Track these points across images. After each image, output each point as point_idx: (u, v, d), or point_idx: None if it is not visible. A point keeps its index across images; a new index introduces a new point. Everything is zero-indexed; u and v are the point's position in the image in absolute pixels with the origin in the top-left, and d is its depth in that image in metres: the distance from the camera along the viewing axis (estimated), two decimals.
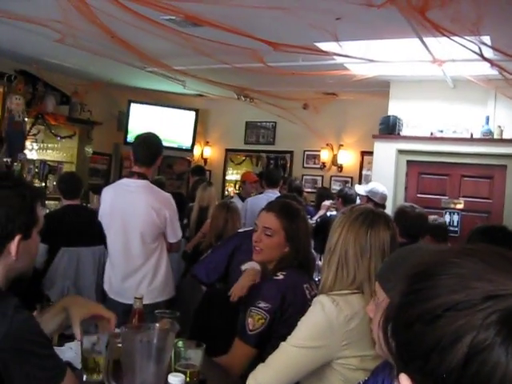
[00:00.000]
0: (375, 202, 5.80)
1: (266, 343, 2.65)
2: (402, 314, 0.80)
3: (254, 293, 2.86)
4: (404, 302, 0.81)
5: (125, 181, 4.21)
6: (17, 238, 1.87)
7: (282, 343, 2.22)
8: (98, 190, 6.66)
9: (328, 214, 6.59)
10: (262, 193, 7.20)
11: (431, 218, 5.19)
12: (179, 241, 4.36)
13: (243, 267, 3.58)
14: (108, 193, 4.23)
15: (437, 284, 0.77)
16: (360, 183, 9.18)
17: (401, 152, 7.61)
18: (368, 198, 5.91)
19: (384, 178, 7.27)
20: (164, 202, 4.05)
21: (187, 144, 10.57)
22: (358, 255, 2.24)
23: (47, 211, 6.64)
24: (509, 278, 0.74)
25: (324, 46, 5.97)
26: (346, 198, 6.49)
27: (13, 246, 1.86)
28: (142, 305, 2.81)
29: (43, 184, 8.84)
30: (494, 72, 6.11)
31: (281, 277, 2.79)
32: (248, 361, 2.65)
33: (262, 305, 2.65)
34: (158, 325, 2.33)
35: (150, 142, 4.24)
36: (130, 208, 4.01)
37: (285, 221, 2.93)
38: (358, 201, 6.36)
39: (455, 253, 0.83)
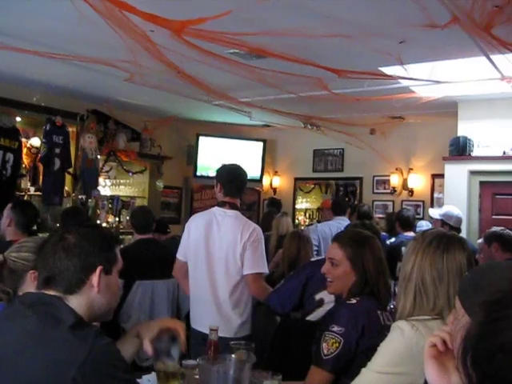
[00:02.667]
0: (450, 226, 5.70)
1: (343, 371, 2.62)
2: (482, 344, 0.77)
3: (328, 318, 2.84)
4: (483, 333, 0.78)
5: (215, 209, 4.24)
6: (98, 270, 1.97)
7: (363, 369, 2.20)
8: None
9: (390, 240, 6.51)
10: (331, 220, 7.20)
11: (499, 228, 5.18)
12: (262, 276, 4.11)
13: (317, 296, 3.57)
14: (195, 220, 4.26)
15: None
16: (432, 207, 9.01)
17: (473, 173, 7.45)
18: (443, 222, 5.81)
19: (457, 201, 7.12)
20: (251, 231, 4.02)
21: (256, 174, 10.64)
22: (435, 281, 2.21)
23: (121, 246, 6.79)
24: None
25: (389, 70, 5.94)
26: (402, 220, 6.41)
27: (95, 277, 1.97)
28: (218, 336, 2.82)
29: (117, 219, 9.04)
30: None
31: (354, 301, 2.78)
32: None
33: (336, 329, 2.63)
34: (234, 356, 2.33)
35: (239, 172, 4.32)
36: (216, 237, 4.04)
37: (349, 250, 2.94)
38: (424, 224, 6.25)
39: None
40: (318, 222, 8.25)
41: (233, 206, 4.14)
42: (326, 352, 2.61)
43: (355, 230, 3.32)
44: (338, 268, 2.95)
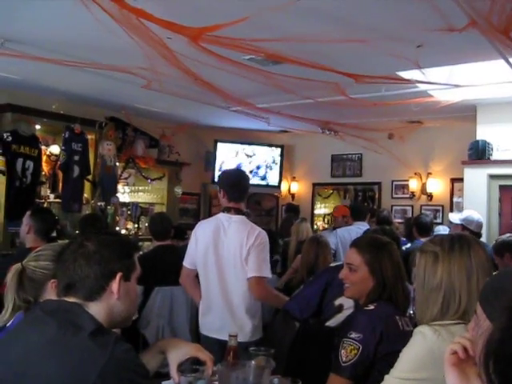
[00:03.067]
0: (471, 231, 5.67)
1: (363, 377, 2.61)
2: (505, 349, 0.76)
3: (346, 325, 2.84)
4: (505, 337, 0.77)
5: (220, 215, 4.25)
6: (118, 277, 1.99)
7: (386, 376, 2.19)
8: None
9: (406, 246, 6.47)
10: (351, 225, 7.18)
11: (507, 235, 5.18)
12: (264, 279, 4.05)
13: (337, 302, 3.55)
14: (202, 227, 4.26)
15: None
16: (451, 211, 8.96)
17: (492, 177, 7.40)
18: (463, 227, 5.77)
19: (476, 205, 7.07)
20: (256, 236, 4.01)
21: (274, 180, 10.65)
22: (463, 283, 2.21)
23: (140, 253, 6.81)
24: None
25: (406, 74, 5.92)
26: (420, 226, 6.37)
27: (114, 284, 1.98)
28: (237, 343, 2.82)
29: (136, 226, 9.08)
30: None
31: (371, 307, 2.78)
32: None
33: (354, 335, 2.63)
34: (253, 362, 2.33)
35: (242, 177, 4.34)
36: (224, 242, 4.04)
37: (367, 255, 2.95)
38: (442, 229, 6.21)
39: None
40: (334, 228, 8.17)
41: (238, 211, 4.14)
42: (344, 359, 2.60)
43: (373, 236, 3.32)
44: (356, 273, 2.95)
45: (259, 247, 3.99)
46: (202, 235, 4.18)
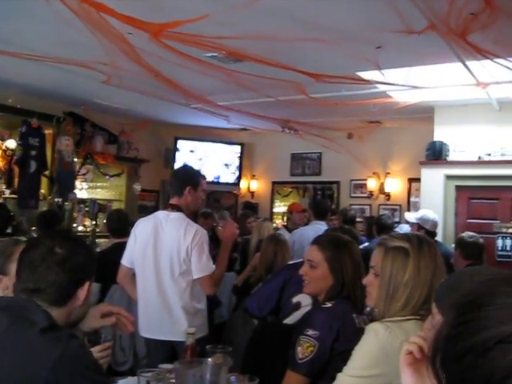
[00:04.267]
0: (426, 230, 5.75)
1: (319, 374, 2.63)
2: (452, 346, 0.78)
3: (303, 322, 2.85)
4: (453, 334, 0.79)
5: (159, 213, 4.21)
6: (86, 285, 2.00)
7: (339, 374, 2.20)
8: None
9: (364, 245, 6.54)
10: (308, 224, 7.20)
11: (467, 234, 5.27)
12: (210, 275, 4.00)
13: (294, 300, 3.57)
14: (141, 225, 4.20)
15: (486, 315, 0.75)
16: (409, 211, 9.08)
17: (449, 177, 7.52)
18: (419, 226, 5.85)
19: (433, 205, 7.17)
20: (193, 233, 3.96)
21: (234, 178, 10.65)
22: (429, 279, 2.26)
23: (98, 250, 6.74)
24: None
25: (366, 74, 5.98)
26: (381, 227, 6.45)
27: (82, 291, 1.99)
28: (195, 340, 2.82)
29: (93, 223, 8.98)
30: None
31: (329, 305, 2.80)
32: None
33: (311, 332, 2.64)
34: (210, 360, 2.33)
35: (178, 172, 4.30)
36: (161, 240, 3.99)
37: (327, 252, 2.96)
38: (405, 227, 6.30)
39: (503, 281, 0.80)
40: (285, 226, 8.17)
41: (176, 208, 4.08)
42: (300, 356, 2.61)
43: (335, 234, 3.34)
44: (316, 270, 2.96)
45: (199, 246, 3.94)
46: (140, 233, 4.12)
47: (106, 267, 5.04)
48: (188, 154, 10.24)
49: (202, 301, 4.08)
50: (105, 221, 7.65)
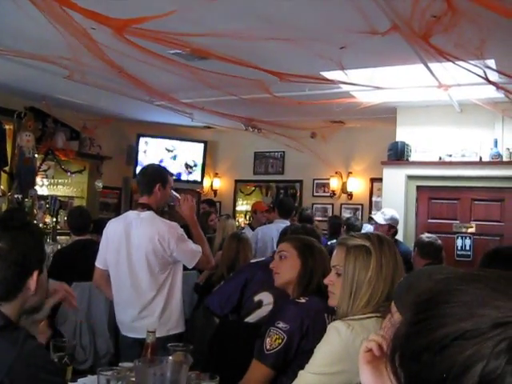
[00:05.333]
0: (396, 230, 5.91)
1: (283, 369, 2.65)
2: (410, 344, 0.78)
3: (277, 313, 2.87)
4: (411, 332, 0.79)
5: (130, 213, 4.20)
6: (35, 274, 1.93)
7: (301, 372, 2.22)
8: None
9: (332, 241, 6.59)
10: (271, 222, 7.21)
11: (426, 235, 5.37)
12: (202, 255, 4.07)
13: (256, 298, 3.58)
14: (112, 226, 4.18)
15: (443, 313, 0.76)
16: (370, 210, 9.17)
17: (410, 178, 7.60)
18: (390, 226, 5.95)
19: (394, 204, 7.25)
20: (168, 230, 3.97)
21: (197, 176, 10.62)
22: (390, 277, 2.30)
23: (58, 247, 6.67)
24: None
25: (330, 74, 6.01)
26: (350, 227, 6.51)
27: (32, 281, 1.93)
28: (156, 338, 2.80)
29: (54, 219, 8.87)
30: (500, 95, 6.12)
31: (303, 300, 2.83)
32: (264, 382, 2.64)
33: (281, 325, 2.67)
34: (171, 358, 2.32)
35: (146, 170, 4.27)
36: (134, 240, 3.98)
37: (297, 243, 3.08)
38: (369, 229, 6.37)
39: (460, 279, 0.81)
40: (249, 225, 8.19)
41: (146, 207, 4.06)
42: (268, 347, 2.64)
43: (304, 236, 3.38)
44: (285, 260, 3.04)
45: (179, 239, 3.95)
46: (112, 234, 4.10)
47: (66, 264, 5.02)
48: (151, 151, 10.17)
49: (178, 297, 4.08)
50: (66, 218, 7.55)
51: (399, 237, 6.79)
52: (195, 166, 10.58)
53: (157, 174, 4.22)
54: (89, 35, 4.70)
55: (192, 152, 10.63)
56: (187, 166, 10.50)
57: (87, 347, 4.98)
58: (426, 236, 5.31)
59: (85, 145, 9.41)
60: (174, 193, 4.32)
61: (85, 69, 5.79)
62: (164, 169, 4.40)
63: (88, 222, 5.49)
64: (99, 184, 9.53)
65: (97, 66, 5.64)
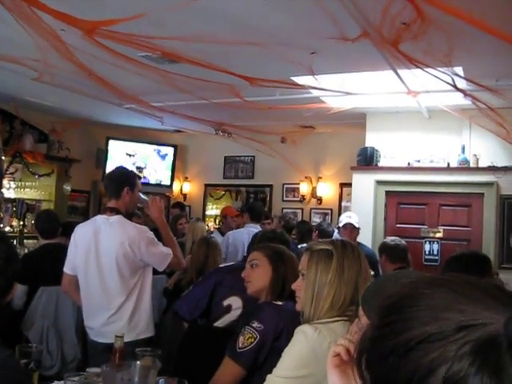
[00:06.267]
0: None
1: (254, 369, 2.65)
2: (376, 347, 0.79)
3: (253, 313, 2.88)
4: (377, 336, 0.80)
5: (98, 217, 4.15)
6: (14, 289, 1.96)
7: (268, 375, 2.22)
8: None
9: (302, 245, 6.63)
10: (241, 227, 7.21)
11: (389, 239, 5.41)
12: (173, 256, 4.05)
13: (225, 303, 3.57)
14: (80, 231, 4.13)
15: (408, 316, 0.77)
16: (339, 215, 9.21)
17: (379, 183, 7.66)
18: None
19: (363, 209, 7.32)
20: (138, 234, 3.93)
21: (166, 180, 10.58)
22: (353, 280, 2.32)
23: (26, 251, 6.58)
24: (479, 307, 0.73)
25: (300, 79, 6.03)
26: (322, 233, 6.54)
27: (12, 292, 1.94)
28: (123, 343, 2.78)
29: (21, 223, 8.76)
30: (467, 102, 6.20)
31: (279, 303, 2.86)
32: (234, 381, 2.65)
33: (256, 325, 2.68)
34: (139, 363, 2.31)
35: (113, 174, 4.23)
36: (103, 245, 3.94)
37: (268, 251, 3.10)
38: (336, 235, 6.42)
39: (425, 283, 0.82)
40: (218, 229, 8.19)
41: (115, 211, 4.02)
42: (240, 345, 2.65)
43: (274, 244, 3.39)
44: (257, 268, 3.07)
45: (149, 243, 3.93)
46: (80, 240, 4.05)
47: (34, 269, 4.95)
48: (120, 154, 10.11)
49: (148, 301, 4.06)
50: (33, 221, 7.47)
51: (368, 242, 6.85)
52: (145, 167, 10.46)
53: (124, 177, 4.17)
54: (58, 37, 4.66)
55: (162, 156, 10.58)
56: (138, 168, 10.41)
57: (54, 352, 4.91)
58: (390, 240, 5.35)
59: (53, 147, 9.31)
60: (142, 195, 4.29)
61: (54, 71, 5.74)
62: (131, 172, 4.36)
63: (56, 226, 5.42)
64: (67, 187, 9.44)
65: (66, 68, 5.59)
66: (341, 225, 6.32)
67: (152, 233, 4.04)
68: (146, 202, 4.26)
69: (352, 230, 6.19)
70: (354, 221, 6.26)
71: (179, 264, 4.27)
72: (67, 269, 4.10)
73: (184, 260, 4.41)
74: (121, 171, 4.32)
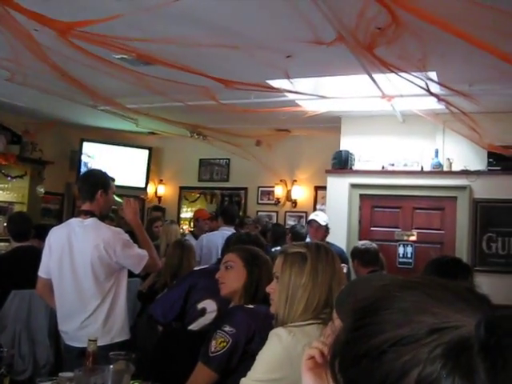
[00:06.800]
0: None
1: (227, 373, 2.64)
2: (349, 350, 0.79)
3: (224, 317, 2.87)
4: (350, 339, 0.80)
5: (72, 220, 4.12)
6: None
7: (243, 379, 2.22)
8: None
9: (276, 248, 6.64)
10: (214, 230, 7.21)
11: (360, 243, 5.48)
12: (148, 258, 4.03)
13: (200, 306, 3.56)
14: (54, 234, 4.10)
15: (381, 319, 0.77)
16: None
17: (354, 186, 7.70)
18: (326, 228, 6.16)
19: (338, 212, 7.36)
20: (113, 237, 3.92)
21: (140, 182, 10.52)
22: (327, 282, 2.34)
23: None
24: (451, 309, 0.74)
25: (276, 83, 6.04)
26: (295, 235, 6.56)
27: None
28: (97, 347, 2.76)
29: None
30: (441, 106, 6.26)
31: (251, 306, 2.86)
32: None
33: (228, 329, 2.68)
34: (112, 367, 2.29)
35: (86, 176, 4.22)
36: (78, 248, 3.91)
37: (243, 253, 3.12)
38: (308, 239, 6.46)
39: (398, 286, 0.83)
40: (192, 232, 8.18)
41: (89, 214, 4.00)
42: (213, 350, 2.64)
43: (249, 246, 3.40)
44: (231, 270, 3.07)
45: (124, 245, 3.91)
46: (54, 243, 4.02)
47: (6, 272, 4.90)
48: (94, 156, 10.04)
49: (123, 304, 4.03)
50: (5, 224, 7.38)
51: (342, 245, 6.87)
52: (138, 171, 10.46)
53: (98, 179, 4.15)
54: (31, 37, 4.61)
55: (136, 158, 10.53)
56: (133, 169, 10.40)
57: (26, 357, 4.86)
58: (360, 244, 5.40)
59: (26, 149, 9.21)
60: (117, 198, 4.27)
61: (27, 71, 5.68)
62: (105, 174, 4.33)
63: (29, 228, 5.37)
64: (41, 189, 9.35)
65: (40, 69, 5.54)
66: (307, 222, 6.42)
67: (127, 235, 4.02)
68: (120, 204, 4.24)
69: (318, 228, 6.22)
70: (321, 219, 6.29)
71: (155, 265, 4.25)
72: (42, 272, 4.06)
73: (160, 261, 4.39)
74: (94, 173, 4.29)
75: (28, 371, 4.83)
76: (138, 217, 4.25)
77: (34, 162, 9.32)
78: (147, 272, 4.20)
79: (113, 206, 4.47)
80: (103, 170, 4.33)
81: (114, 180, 4.39)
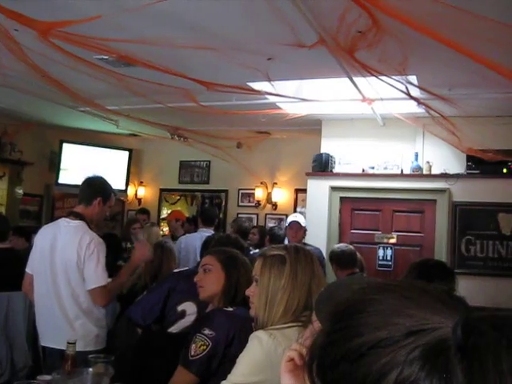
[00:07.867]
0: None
1: (209, 376, 2.64)
2: (327, 353, 0.80)
3: (204, 321, 2.87)
4: (328, 342, 0.81)
5: (61, 220, 4.11)
6: None
7: (223, 382, 2.21)
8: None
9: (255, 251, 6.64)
10: (191, 232, 7.22)
11: (336, 246, 5.52)
12: (102, 286, 3.89)
13: (179, 308, 3.55)
14: (41, 232, 4.12)
15: (359, 322, 0.77)
16: None
17: (334, 189, 7.72)
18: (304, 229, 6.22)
19: (318, 215, 7.38)
20: (88, 242, 3.88)
21: (121, 184, 10.47)
22: (306, 284, 2.34)
23: None
24: (429, 312, 0.74)
25: (257, 85, 6.04)
26: (273, 237, 6.58)
27: None
28: (75, 351, 2.74)
29: None
30: (421, 110, 6.29)
31: (230, 309, 2.87)
32: None
33: (207, 332, 2.68)
34: (91, 369, 2.27)
35: (92, 180, 4.24)
36: (58, 249, 3.89)
37: (221, 256, 3.11)
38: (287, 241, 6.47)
39: (376, 289, 0.83)
40: (172, 236, 8.18)
41: (78, 216, 4.01)
42: (193, 353, 2.64)
43: (228, 249, 3.40)
44: (210, 273, 3.06)
45: (92, 256, 3.87)
46: (40, 240, 4.04)
47: None
48: (74, 157, 9.97)
49: (101, 309, 4.00)
50: None
51: (322, 247, 6.89)
52: (118, 173, 10.41)
53: (101, 187, 4.22)
54: (11, 37, 4.57)
55: (116, 160, 10.48)
56: (113, 171, 10.34)
57: (3, 360, 4.82)
58: (336, 247, 5.43)
59: (5, 150, 9.15)
60: (139, 235, 4.30)
61: (6, 71, 5.63)
62: (110, 185, 4.36)
63: (7, 230, 5.33)
64: (20, 191, 9.28)
65: (19, 69, 5.49)
66: (287, 224, 6.43)
67: (104, 248, 3.99)
68: (137, 241, 4.25)
69: (298, 229, 6.27)
70: (301, 220, 6.34)
71: (101, 298, 3.93)
72: (28, 268, 4.09)
73: (110, 298, 4.13)
74: (100, 180, 4.33)
75: (5, 375, 4.79)
76: (141, 262, 4.34)
77: (13, 163, 9.26)
78: (92, 297, 3.98)
79: (128, 245, 4.49)
80: (109, 182, 4.37)
81: (115, 194, 4.41)
